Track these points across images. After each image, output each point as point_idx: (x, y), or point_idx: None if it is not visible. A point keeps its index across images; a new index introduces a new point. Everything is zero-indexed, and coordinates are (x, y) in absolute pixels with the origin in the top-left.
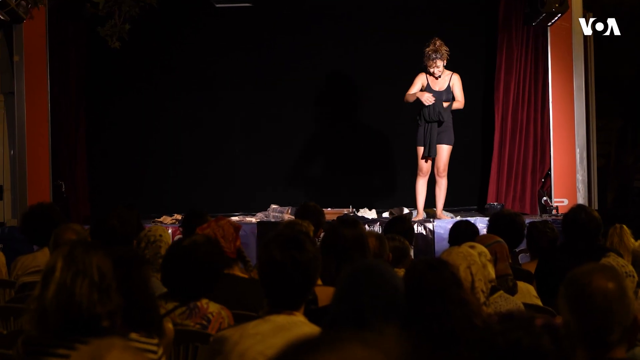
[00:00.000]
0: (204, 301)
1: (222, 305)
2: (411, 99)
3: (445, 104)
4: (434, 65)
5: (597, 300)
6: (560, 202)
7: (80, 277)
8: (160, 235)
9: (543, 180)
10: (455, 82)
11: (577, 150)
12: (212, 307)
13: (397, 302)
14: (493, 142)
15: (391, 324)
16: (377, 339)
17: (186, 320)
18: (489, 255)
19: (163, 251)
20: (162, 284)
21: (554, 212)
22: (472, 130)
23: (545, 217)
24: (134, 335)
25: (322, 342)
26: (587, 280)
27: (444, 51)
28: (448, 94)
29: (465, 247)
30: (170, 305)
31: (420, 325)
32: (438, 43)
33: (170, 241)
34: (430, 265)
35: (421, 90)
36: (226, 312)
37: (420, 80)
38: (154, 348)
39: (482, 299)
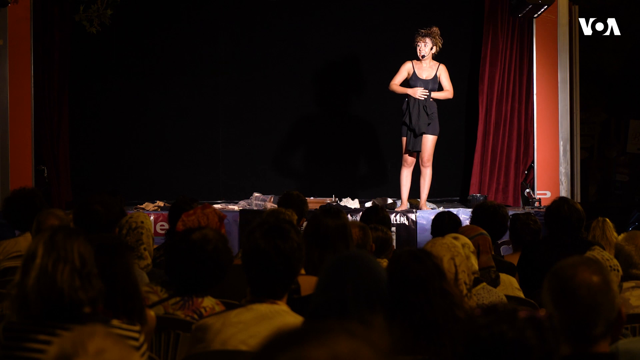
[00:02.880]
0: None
1: (218, 301)
2: (398, 91)
3: (433, 95)
4: (422, 41)
5: (582, 293)
6: (543, 194)
7: (61, 263)
8: (142, 222)
9: (526, 172)
10: (442, 73)
11: (561, 143)
12: (207, 302)
13: (380, 292)
14: (477, 134)
15: (375, 314)
16: (363, 330)
17: (178, 310)
18: (472, 247)
19: (144, 238)
20: (158, 273)
21: (536, 204)
22: (456, 122)
23: (527, 209)
24: (115, 322)
25: (308, 333)
26: (572, 273)
27: (437, 38)
28: (434, 83)
29: (449, 239)
30: (164, 294)
31: (403, 315)
32: (435, 29)
33: (152, 228)
34: (413, 256)
35: (407, 78)
36: (220, 307)
37: (406, 69)
38: (136, 335)
39: (465, 291)
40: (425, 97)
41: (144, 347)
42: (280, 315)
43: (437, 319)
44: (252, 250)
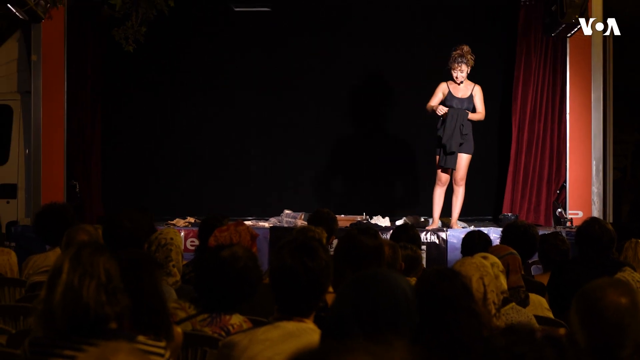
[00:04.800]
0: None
1: (246, 318)
2: (429, 109)
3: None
4: (458, 68)
5: (609, 315)
6: (575, 214)
7: (87, 279)
8: (172, 239)
9: (558, 192)
10: (476, 93)
11: (593, 163)
12: (235, 319)
13: (401, 311)
14: (509, 153)
15: (397, 333)
16: (385, 350)
17: (206, 327)
18: (501, 267)
19: (174, 255)
20: (189, 289)
21: (568, 224)
22: (489, 141)
23: (559, 229)
24: (141, 338)
25: (331, 353)
26: (600, 294)
27: (469, 58)
28: (470, 102)
29: (478, 258)
30: (193, 311)
31: (430, 334)
32: (465, 49)
33: (181, 245)
34: (441, 275)
35: (443, 98)
36: (248, 325)
37: (441, 89)
38: (161, 351)
39: (494, 311)
40: (444, 112)
41: None
42: (307, 334)
43: (464, 339)
44: (280, 268)
